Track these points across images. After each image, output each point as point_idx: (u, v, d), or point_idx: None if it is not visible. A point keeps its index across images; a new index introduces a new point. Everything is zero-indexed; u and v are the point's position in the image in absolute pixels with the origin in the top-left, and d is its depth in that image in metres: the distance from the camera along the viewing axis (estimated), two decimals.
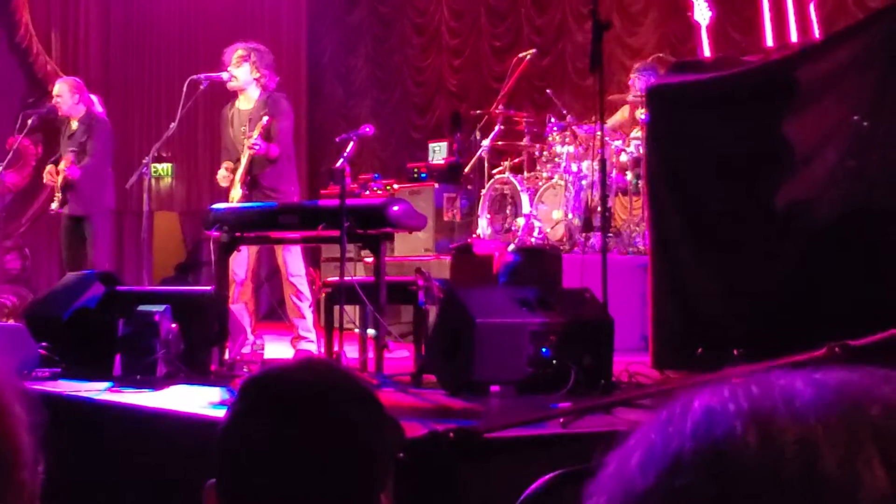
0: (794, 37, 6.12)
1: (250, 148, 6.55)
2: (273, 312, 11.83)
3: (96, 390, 4.63)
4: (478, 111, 9.13)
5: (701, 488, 0.59)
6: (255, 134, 6.53)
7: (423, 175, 9.54)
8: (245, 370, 5.45)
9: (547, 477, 2.79)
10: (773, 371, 0.65)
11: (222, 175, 6.79)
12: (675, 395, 0.66)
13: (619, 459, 0.64)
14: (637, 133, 7.51)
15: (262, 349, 6.60)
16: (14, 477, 0.85)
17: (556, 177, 7.91)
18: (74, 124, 7.93)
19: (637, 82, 7.73)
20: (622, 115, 8.09)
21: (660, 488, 0.61)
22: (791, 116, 4.92)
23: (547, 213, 7.86)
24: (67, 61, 12.47)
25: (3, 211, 10.38)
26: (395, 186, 9.65)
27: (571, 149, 7.87)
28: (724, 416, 0.61)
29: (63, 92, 7.92)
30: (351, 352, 5.57)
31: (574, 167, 7.82)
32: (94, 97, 8.21)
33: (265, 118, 6.58)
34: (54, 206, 7.90)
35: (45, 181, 8.27)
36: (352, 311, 5.72)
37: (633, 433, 0.65)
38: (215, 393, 4.65)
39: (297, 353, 6.54)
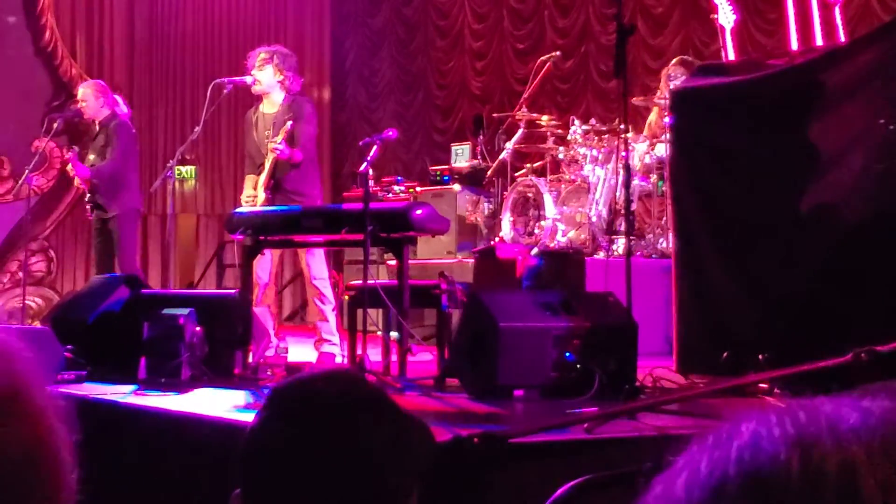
0: (819, 40, 6.09)
1: (273, 151, 6.57)
2: (296, 315, 11.89)
3: (121, 393, 4.64)
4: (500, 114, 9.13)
5: None
6: (279, 138, 6.55)
7: (446, 178, 9.53)
8: (269, 373, 5.46)
9: (572, 483, 2.78)
10: (822, 397, 0.65)
11: (246, 197, 6.79)
12: (721, 420, 0.67)
13: (666, 482, 0.65)
14: (662, 136, 7.49)
15: (286, 352, 6.61)
16: (56, 497, 0.86)
17: (580, 180, 7.89)
18: (98, 127, 7.97)
19: (669, 84, 7.71)
20: (652, 118, 8.06)
21: None
22: (816, 120, 4.90)
23: (570, 217, 7.84)
24: (92, 65, 12.55)
25: (29, 214, 10.46)
26: (418, 189, 9.65)
27: (595, 152, 7.85)
28: (770, 442, 0.62)
29: (87, 96, 7.95)
30: (374, 355, 5.57)
31: (598, 170, 7.80)
32: (118, 97, 8.23)
33: (289, 123, 6.59)
34: (88, 209, 7.96)
35: (75, 185, 8.33)
36: (375, 315, 5.72)
37: (680, 456, 0.65)
38: (239, 396, 4.66)
39: (321, 356, 6.56)
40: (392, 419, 1.38)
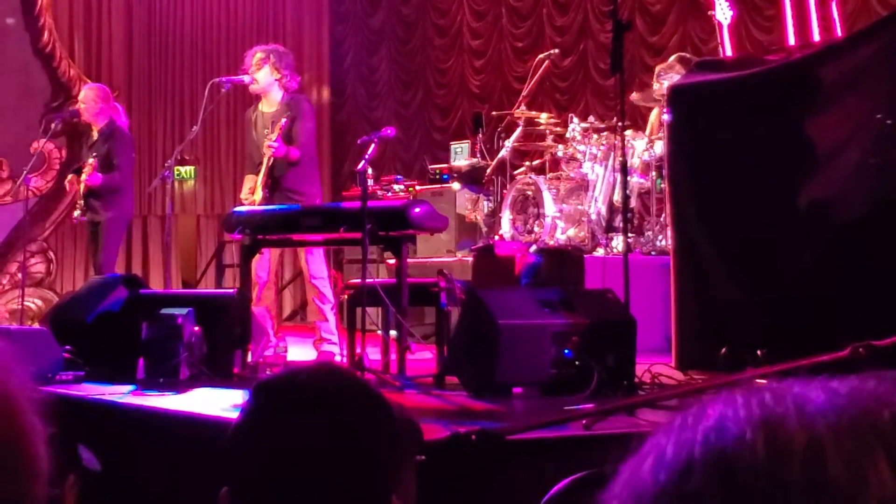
0: (816, 35, 6.09)
1: (269, 148, 6.57)
2: (295, 314, 11.89)
3: (120, 393, 4.64)
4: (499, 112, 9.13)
5: (710, 494, 0.60)
6: (275, 136, 6.55)
7: (445, 176, 9.53)
8: (268, 373, 5.46)
9: (569, 479, 2.78)
10: (790, 379, 0.65)
11: (245, 196, 6.80)
12: (691, 402, 0.67)
13: (632, 466, 0.65)
14: (660, 133, 7.48)
15: (285, 351, 6.62)
16: (30, 489, 0.85)
17: (579, 177, 7.89)
18: (95, 133, 7.95)
19: (662, 84, 7.71)
20: (653, 118, 8.06)
21: (670, 492, 0.62)
22: (813, 115, 4.89)
23: (569, 214, 7.84)
24: (91, 66, 12.55)
25: (28, 215, 10.46)
26: (418, 188, 9.65)
27: (594, 149, 7.85)
28: (735, 423, 0.62)
29: (88, 98, 7.94)
30: (373, 354, 5.57)
31: (597, 168, 7.80)
32: (119, 107, 8.23)
33: (283, 120, 6.59)
34: (77, 213, 7.95)
35: (66, 187, 8.33)
36: (374, 313, 5.72)
37: (646, 440, 0.66)
38: (238, 396, 4.66)
39: (320, 355, 6.56)
40: (378, 412, 1.38)
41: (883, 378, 0.64)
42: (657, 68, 7.99)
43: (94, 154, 7.82)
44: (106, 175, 7.73)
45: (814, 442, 0.60)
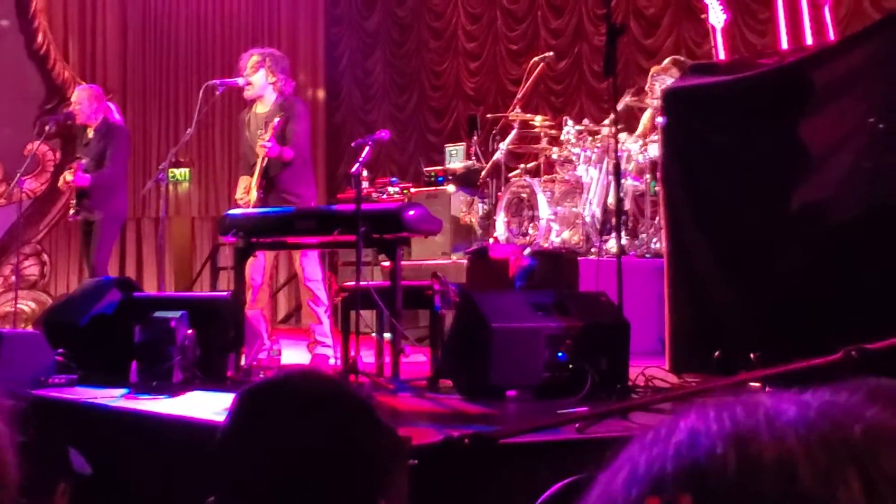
0: (809, 39, 6.09)
1: (262, 148, 6.56)
2: (290, 317, 11.88)
3: (112, 397, 4.63)
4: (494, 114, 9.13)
5: None
6: (268, 135, 6.54)
7: (440, 178, 9.53)
8: (261, 376, 5.44)
9: (562, 483, 2.78)
10: (761, 392, 0.65)
11: (239, 197, 6.80)
12: (683, 405, 0.67)
13: (606, 479, 0.66)
14: (654, 136, 7.49)
15: (279, 355, 6.61)
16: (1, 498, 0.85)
17: (573, 180, 7.90)
18: (90, 133, 7.95)
19: (656, 86, 7.72)
20: (646, 119, 8.07)
21: None
22: (806, 118, 4.90)
23: (564, 217, 7.84)
24: (85, 67, 12.53)
25: (22, 217, 10.44)
26: (413, 190, 9.65)
27: (588, 152, 7.85)
28: (707, 437, 0.62)
29: (81, 100, 7.94)
30: (367, 356, 5.57)
31: (591, 171, 7.81)
32: (112, 105, 8.22)
33: (276, 119, 6.58)
34: (71, 212, 7.96)
35: (60, 188, 8.32)
36: (368, 316, 5.72)
37: (619, 454, 0.66)
38: (231, 399, 4.64)
39: (314, 358, 6.55)
40: (363, 417, 1.38)
41: (856, 389, 0.64)
42: (651, 70, 8.00)
43: (86, 157, 7.81)
44: (96, 173, 7.72)
45: (785, 456, 0.60)
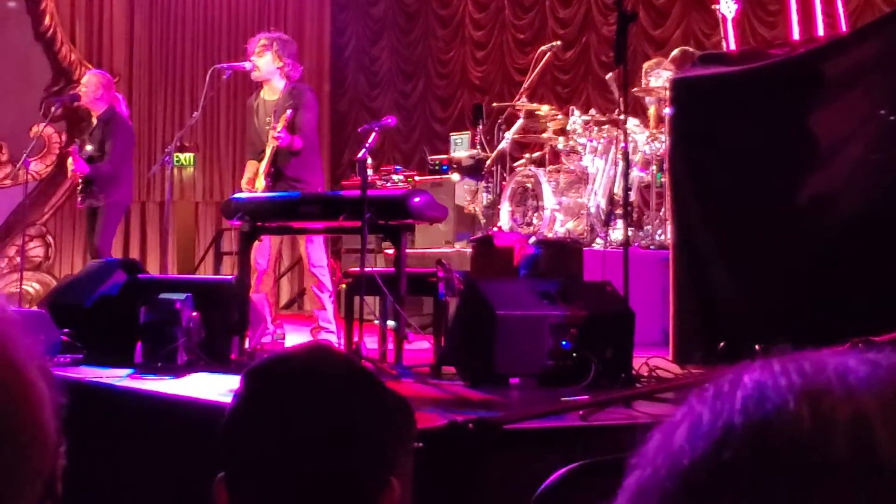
0: (820, 31, 6.08)
1: (275, 140, 6.56)
2: (293, 303, 11.89)
3: (117, 377, 4.64)
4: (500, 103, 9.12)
5: (750, 462, 0.58)
6: (280, 126, 6.54)
7: (445, 167, 9.52)
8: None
9: (565, 469, 2.78)
10: (825, 350, 0.64)
11: (247, 182, 6.80)
12: (722, 374, 0.65)
13: (665, 433, 0.63)
14: (661, 129, 7.49)
15: (283, 339, 6.61)
16: (32, 456, 0.83)
17: (579, 170, 7.89)
18: (94, 120, 7.93)
19: (651, 81, 7.76)
20: (652, 111, 8.07)
21: (707, 461, 0.60)
22: (816, 110, 4.89)
23: (569, 207, 7.84)
24: (91, 51, 12.52)
25: (27, 199, 10.45)
26: (417, 179, 9.64)
27: (594, 142, 7.84)
28: (776, 391, 0.60)
29: (90, 83, 7.91)
30: (371, 343, 5.57)
31: (597, 161, 7.80)
32: (120, 97, 8.18)
33: (289, 111, 6.58)
34: (79, 199, 7.94)
35: (68, 174, 8.32)
36: (372, 303, 5.71)
37: (679, 408, 0.64)
38: (235, 381, 4.64)
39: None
40: (371, 391, 1.37)
41: None
42: (644, 66, 7.99)
43: (90, 141, 7.80)
44: (94, 166, 7.70)
45: (860, 414, 0.58)
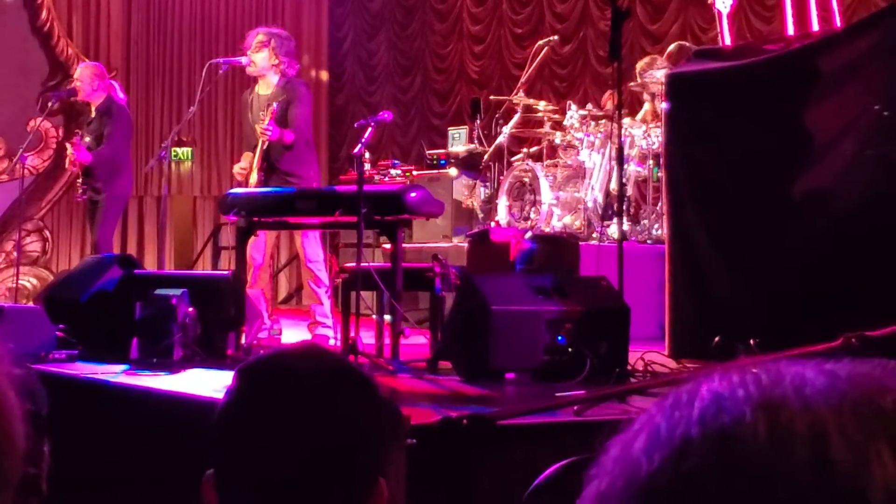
0: (815, 26, 6.08)
1: (263, 133, 6.56)
2: (291, 298, 11.89)
3: (113, 373, 4.64)
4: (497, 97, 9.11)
5: (708, 474, 0.58)
6: (267, 120, 6.53)
7: (443, 162, 9.52)
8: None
9: (559, 464, 2.78)
10: (782, 360, 0.63)
11: (237, 170, 6.81)
12: (681, 381, 0.65)
13: (623, 443, 0.63)
14: (657, 123, 7.49)
15: (280, 334, 6.62)
16: (2, 465, 0.83)
17: (576, 165, 7.89)
18: (93, 111, 7.93)
19: (647, 81, 7.77)
20: (648, 106, 8.08)
21: (665, 473, 0.60)
22: (811, 105, 4.89)
23: (566, 201, 7.84)
24: (89, 45, 12.51)
25: (24, 193, 10.44)
26: (415, 173, 9.64)
27: (591, 137, 7.84)
28: (734, 403, 0.60)
29: (83, 77, 7.90)
30: (367, 338, 5.57)
31: (594, 155, 7.80)
32: (115, 83, 8.18)
33: (275, 104, 6.57)
34: (79, 192, 7.92)
35: (67, 168, 8.31)
36: (369, 297, 5.72)
37: (637, 418, 0.64)
38: (231, 377, 4.65)
39: (314, 338, 6.55)
40: (364, 393, 1.37)
41: (878, 364, 0.62)
42: (638, 68, 7.98)
43: (87, 135, 7.78)
44: (95, 151, 7.68)
45: (817, 426, 0.58)
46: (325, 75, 13.00)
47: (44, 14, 12.21)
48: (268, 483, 1.29)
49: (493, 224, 8.09)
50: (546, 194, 7.73)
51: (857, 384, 0.61)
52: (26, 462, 0.86)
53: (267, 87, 6.84)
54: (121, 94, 8.06)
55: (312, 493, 1.30)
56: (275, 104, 6.57)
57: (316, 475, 1.29)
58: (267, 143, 6.60)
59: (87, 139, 7.80)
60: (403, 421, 1.47)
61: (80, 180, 7.87)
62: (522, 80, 8.70)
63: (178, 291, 5.14)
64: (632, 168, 7.60)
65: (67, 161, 8.01)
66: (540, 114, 8.44)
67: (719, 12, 7.21)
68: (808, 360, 0.63)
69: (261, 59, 6.78)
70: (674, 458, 0.60)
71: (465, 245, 8.09)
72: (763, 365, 0.63)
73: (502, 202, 7.98)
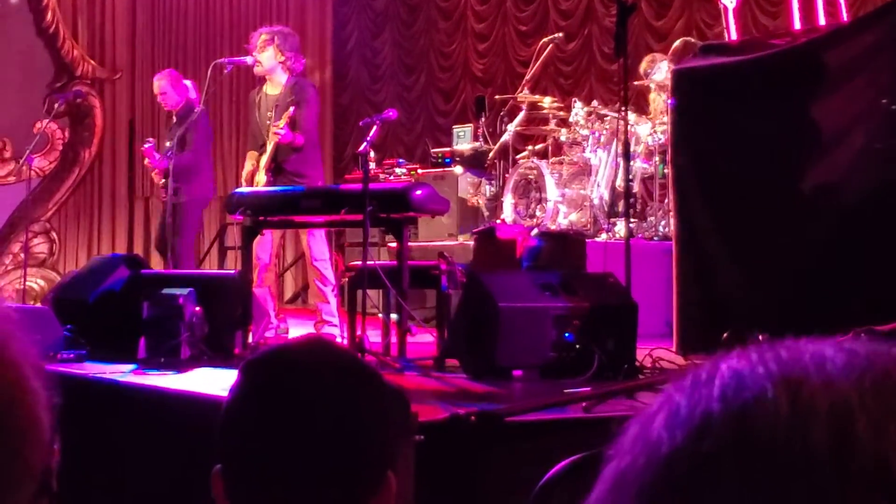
0: (821, 20, 6.07)
1: (276, 135, 6.57)
2: (297, 297, 11.90)
3: (121, 372, 4.64)
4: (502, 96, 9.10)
5: (729, 451, 0.58)
6: (282, 123, 6.54)
7: (448, 160, 9.51)
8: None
9: (568, 461, 2.78)
10: (801, 339, 0.63)
11: (246, 173, 6.81)
12: (698, 364, 0.65)
13: (643, 423, 0.63)
14: (663, 118, 7.48)
15: (286, 333, 6.62)
16: (25, 453, 0.83)
17: (582, 162, 7.88)
18: (175, 118, 7.82)
19: (650, 76, 7.77)
20: (654, 103, 8.07)
21: (685, 451, 0.59)
22: (818, 100, 4.88)
23: (572, 199, 7.83)
24: (94, 46, 12.52)
25: (31, 195, 10.45)
26: (420, 171, 9.63)
27: (597, 134, 7.83)
28: (754, 379, 0.60)
29: (165, 89, 7.72)
30: (374, 336, 5.57)
31: (600, 153, 7.79)
32: (189, 84, 8.05)
33: (291, 108, 6.58)
34: (165, 194, 7.78)
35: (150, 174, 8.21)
36: (375, 296, 5.72)
37: (656, 398, 0.63)
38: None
39: None
40: (370, 385, 1.37)
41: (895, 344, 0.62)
42: (642, 68, 7.97)
43: (169, 137, 7.66)
44: (175, 157, 7.55)
45: (839, 403, 0.57)
46: (328, 74, 12.98)
47: (49, 16, 12.22)
48: (275, 476, 1.29)
49: (498, 222, 8.09)
50: (552, 191, 7.72)
51: (877, 361, 0.60)
52: (51, 454, 0.86)
53: (275, 86, 6.85)
54: (195, 94, 7.91)
55: (319, 486, 1.29)
56: (291, 108, 6.57)
57: (323, 468, 1.29)
58: (276, 144, 6.61)
59: (168, 143, 7.63)
60: (411, 412, 1.47)
61: (162, 182, 7.74)
62: (527, 77, 8.70)
63: (185, 291, 5.15)
64: (638, 164, 7.59)
65: (148, 167, 7.92)
66: (545, 110, 8.43)
67: (725, 7, 7.22)
68: (827, 339, 0.63)
69: (266, 58, 6.79)
70: (695, 434, 0.59)
71: (471, 243, 8.09)
72: (782, 343, 0.63)
73: (508, 200, 7.98)
